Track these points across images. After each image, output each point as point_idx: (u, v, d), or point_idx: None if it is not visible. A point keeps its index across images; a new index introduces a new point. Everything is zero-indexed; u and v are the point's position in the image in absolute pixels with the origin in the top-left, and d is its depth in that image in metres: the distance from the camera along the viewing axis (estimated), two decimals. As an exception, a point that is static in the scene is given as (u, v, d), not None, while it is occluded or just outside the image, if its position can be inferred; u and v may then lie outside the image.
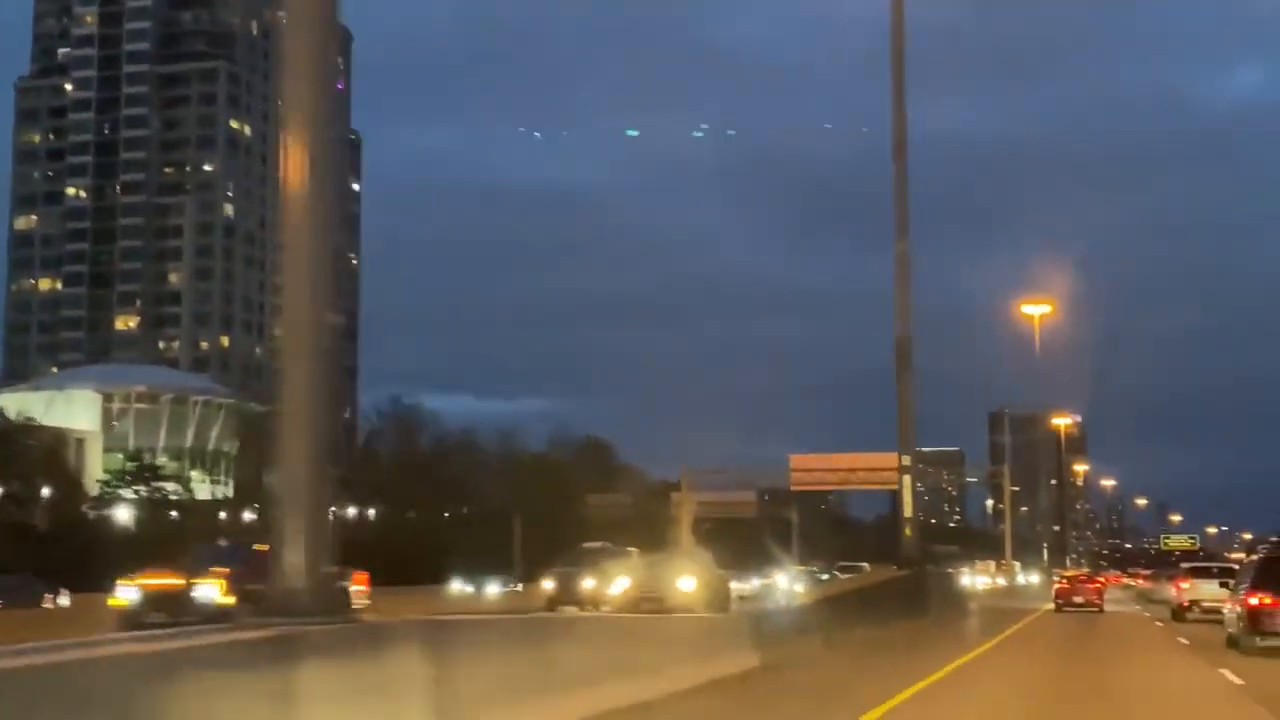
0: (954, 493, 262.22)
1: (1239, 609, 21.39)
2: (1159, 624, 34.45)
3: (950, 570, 61.80)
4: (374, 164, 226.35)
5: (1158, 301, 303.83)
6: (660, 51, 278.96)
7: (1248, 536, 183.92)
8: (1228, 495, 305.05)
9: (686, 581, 27.05)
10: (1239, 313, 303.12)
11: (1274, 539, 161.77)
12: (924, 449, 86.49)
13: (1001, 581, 75.45)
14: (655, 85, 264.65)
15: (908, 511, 32.52)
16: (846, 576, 56.29)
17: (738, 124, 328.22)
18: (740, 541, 65.60)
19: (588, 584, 31.12)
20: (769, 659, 16.62)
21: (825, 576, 61.08)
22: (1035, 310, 58.83)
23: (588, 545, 39.41)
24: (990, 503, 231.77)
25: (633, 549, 36.57)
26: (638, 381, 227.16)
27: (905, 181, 31.44)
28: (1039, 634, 29.73)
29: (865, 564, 61.47)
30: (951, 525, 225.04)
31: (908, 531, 32.25)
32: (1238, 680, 16.81)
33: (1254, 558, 23.46)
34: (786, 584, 50.91)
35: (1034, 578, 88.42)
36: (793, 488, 67.02)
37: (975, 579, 73.38)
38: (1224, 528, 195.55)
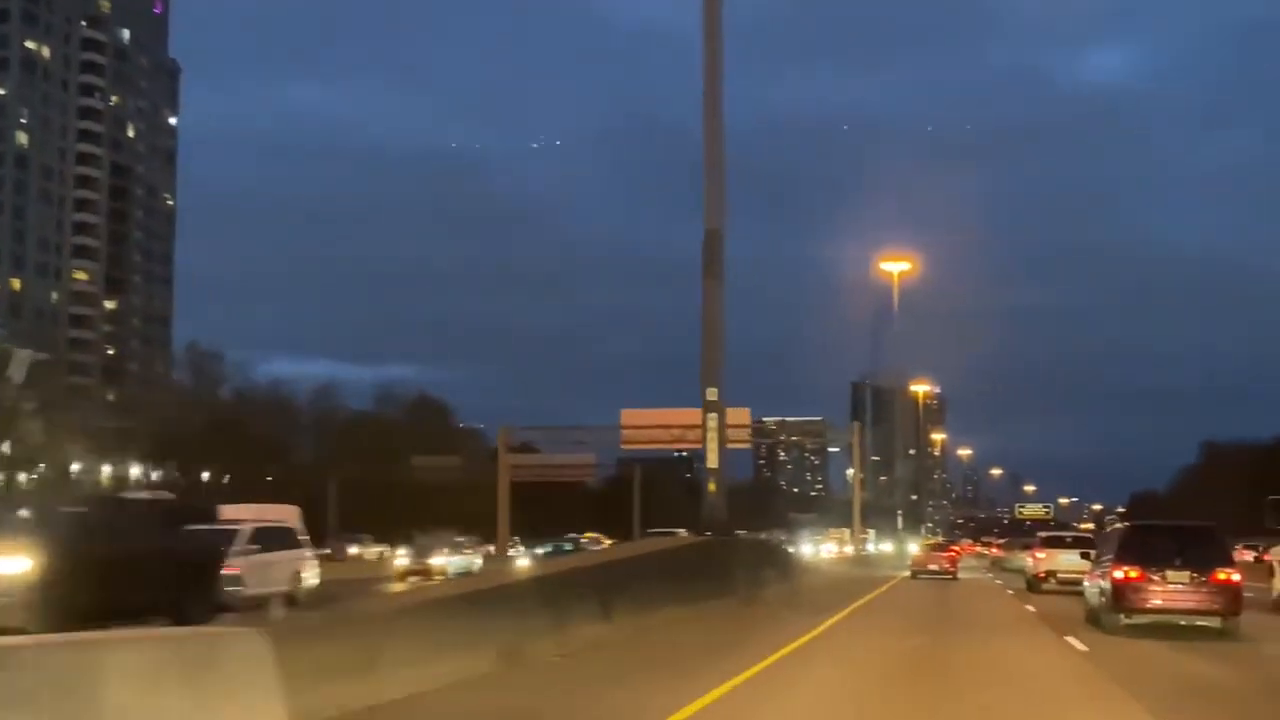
0: (816, 462, 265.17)
1: (1103, 583, 18.79)
2: (1010, 593, 31.83)
3: (784, 537, 58.97)
4: (240, 119, 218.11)
5: (1015, 277, 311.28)
6: (542, 17, 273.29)
7: (1097, 507, 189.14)
8: (1080, 467, 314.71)
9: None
10: (1093, 289, 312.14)
11: (1121, 509, 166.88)
12: (789, 418, 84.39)
13: (850, 550, 70.86)
14: (536, 50, 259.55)
15: (712, 461, 24.91)
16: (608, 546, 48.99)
17: (617, 93, 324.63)
18: (572, 508, 62.04)
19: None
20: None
21: (569, 547, 52.41)
22: (894, 268, 56.73)
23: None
24: (850, 472, 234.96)
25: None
26: (505, 349, 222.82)
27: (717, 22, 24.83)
28: (886, 608, 26.14)
29: (682, 530, 56.03)
30: (813, 494, 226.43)
31: (712, 487, 24.96)
32: (1083, 647, 16.30)
33: (1117, 526, 20.84)
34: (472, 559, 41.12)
35: (887, 546, 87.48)
36: (623, 446, 61.61)
37: (822, 547, 69.36)
38: (1075, 498, 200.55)
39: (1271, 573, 25.75)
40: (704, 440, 24.91)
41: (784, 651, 15.00)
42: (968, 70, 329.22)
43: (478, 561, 38.15)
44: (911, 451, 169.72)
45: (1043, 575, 33.86)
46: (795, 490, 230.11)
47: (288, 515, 30.21)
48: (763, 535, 51.23)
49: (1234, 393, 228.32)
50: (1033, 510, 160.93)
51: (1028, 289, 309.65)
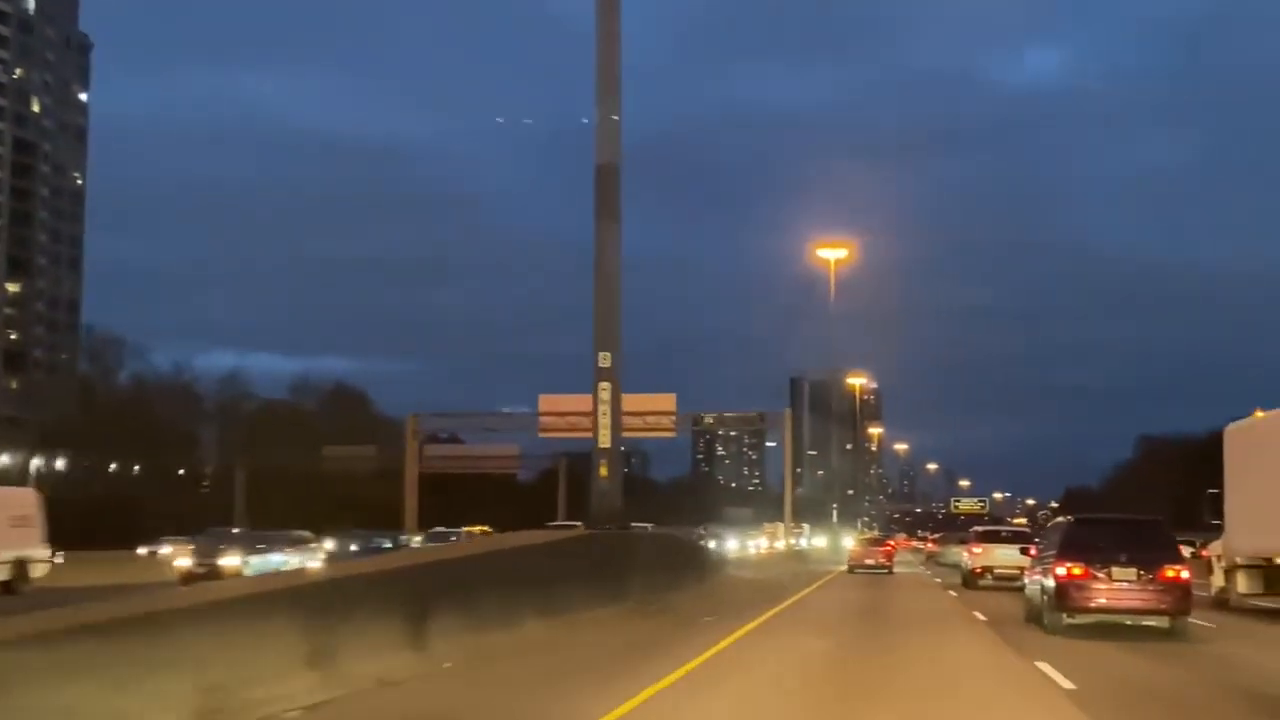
0: (754, 457, 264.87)
1: (1045, 580, 17.52)
2: (953, 594, 29.27)
3: (702, 531, 55.89)
4: (174, 106, 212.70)
5: (951, 275, 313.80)
6: (485, 10, 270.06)
7: (1031, 502, 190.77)
8: (1014, 463, 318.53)
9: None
10: (1028, 287, 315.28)
11: (1054, 504, 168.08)
12: (727, 413, 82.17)
13: (780, 545, 67.39)
14: (479, 44, 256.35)
15: (604, 440, 21.17)
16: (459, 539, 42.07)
17: (559, 90, 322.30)
18: (499, 501, 59.52)
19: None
20: None
21: (389, 544, 42.85)
22: (831, 255, 55.41)
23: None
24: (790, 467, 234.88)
25: None
26: (441, 342, 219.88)
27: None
28: (814, 614, 21.60)
29: (579, 523, 50.50)
30: (751, 489, 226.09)
31: (603, 471, 20.98)
32: (1025, 650, 14.92)
33: (1059, 520, 19.54)
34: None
35: (821, 540, 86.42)
36: (541, 434, 58.91)
37: (751, 543, 65.99)
38: (1009, 494, 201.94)
39: (1210, 569, 24.82)
40: (594, 415, 21.64)
41: (670, 679, 11.50)
42: (904, 69, 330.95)
43: (297, 560, 29.23)
44: (849, 446, 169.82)
45: (979, 571, 33.11)
46: (733, 485, 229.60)
47: (20, 502, 28.46)
48: (671, 529, 47.96)
49: (1168, 389, 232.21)
50: (968, 505, 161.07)
51: (964, 287, 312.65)
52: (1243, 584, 22.45)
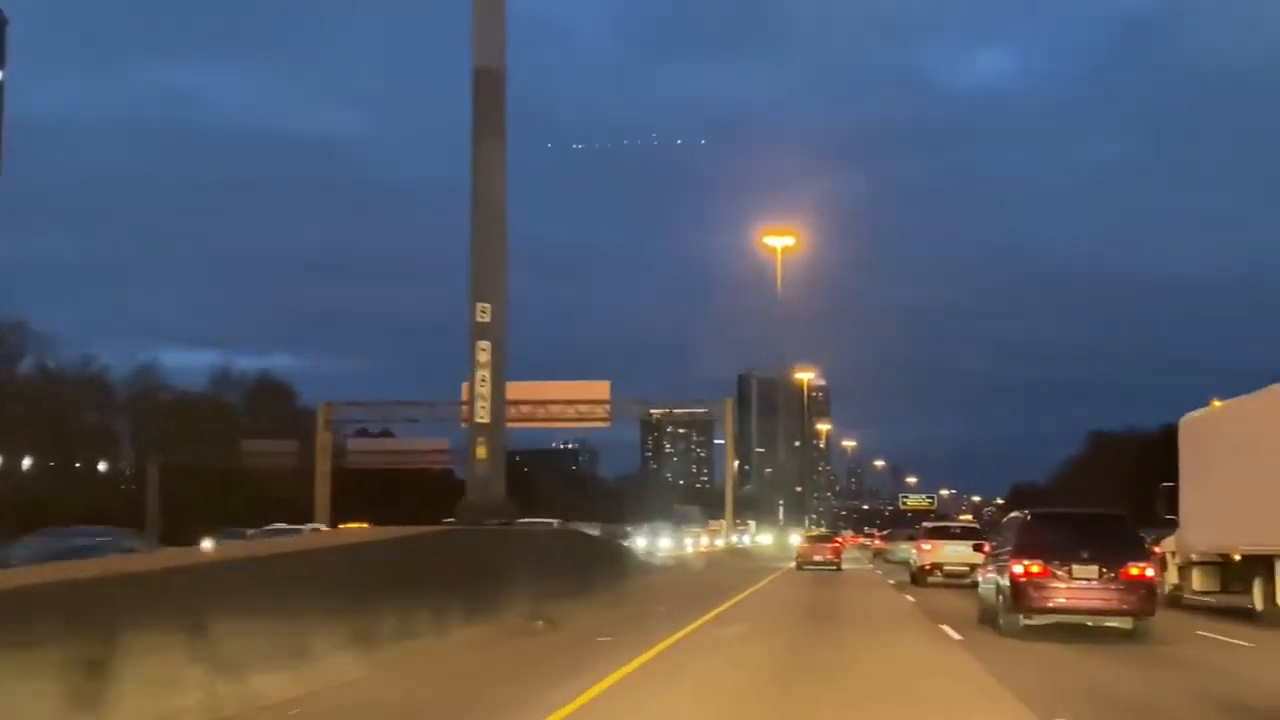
0: (703, 455, 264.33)
1: (1000, 579, 16.48)
2: (908, 598, 26.20)
3: (629, 529, 54.12)
4: (117, 99, 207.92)
5: (898, 274, 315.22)
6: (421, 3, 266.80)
7: (976, 499, 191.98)
8: (962, 460, 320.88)
9: None
10: (973, 286, 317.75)
11: (1000, 501, 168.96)
12: (670, 404, 78.18)
13: (720, 543, 63.72)
14: (418, 37, 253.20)
15: (482, 414, 18.26)
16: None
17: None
18: (429, 497, 56.33)
19: None
20: None
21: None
22: (777, 242, 54.39)
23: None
24: (736, 464, 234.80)
25: None
26: (378, 338, 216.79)
27: None
28: (742, 632, 16.54)
29: (555, 520, 45.67)
30: (699, 486, 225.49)
31: (480, 452, 18.08)
32: (979, 653, 13.97)
33: (1015, 515, 18.41)
34: None
35: (767, 538, 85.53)
36: (464, 424, 57.03)
37: (688, 541, 62.04)
38: (954, 490, 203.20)
39: (1164, 565, 23.97)
40: (470, 383, 18.48)
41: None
42: (850, 69, 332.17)
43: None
44: (797, 443, 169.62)
45: (928, 568, 32.44)
46: (681, 483, 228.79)
47: None
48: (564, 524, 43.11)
49: (1115, 388, 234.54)
50: (916, 501, 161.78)
51: (911, 285, 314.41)
52: (1198, 581, 21.63)
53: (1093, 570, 15.56)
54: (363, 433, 63.44)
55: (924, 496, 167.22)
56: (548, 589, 17.39)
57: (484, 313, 17.98)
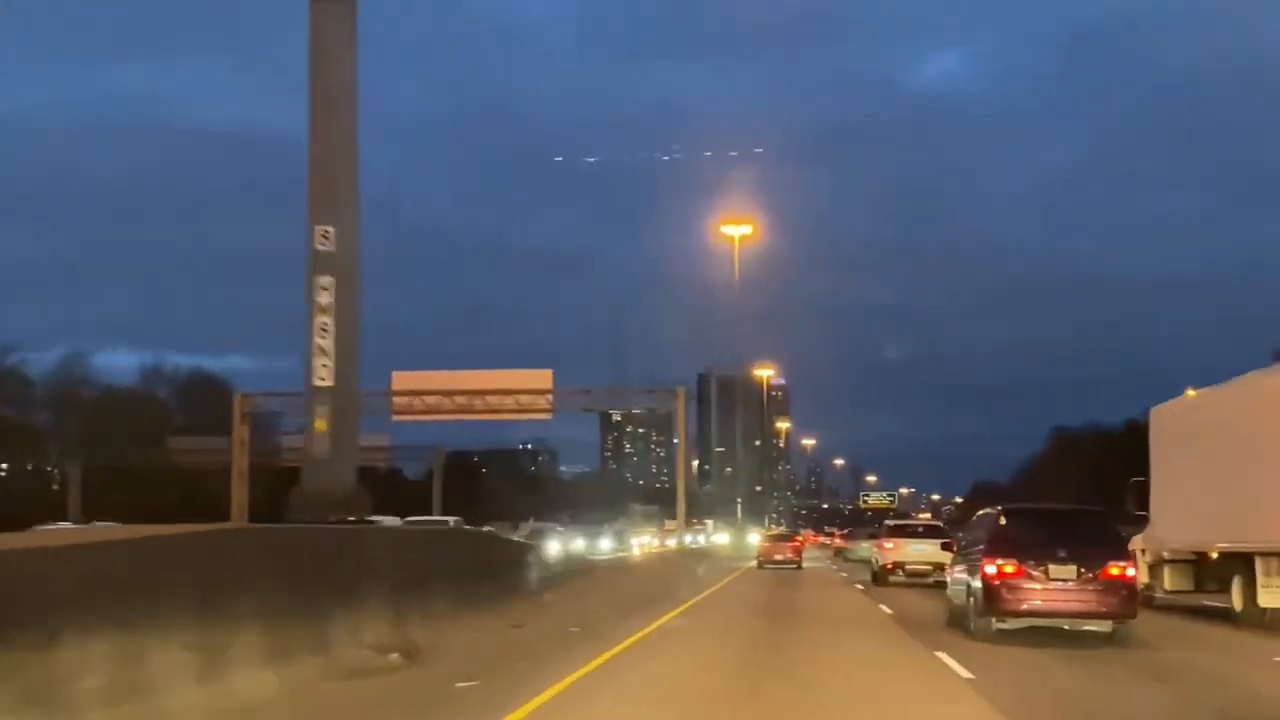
0: (662, 454, 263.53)
1: (971, 579, 15.49)
2: (882, 607, 24.13)
3: (537, 528, 48.44)
4: (57, 96, 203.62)
5: (857, 273, 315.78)
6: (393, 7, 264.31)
7: (935, 497, 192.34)
8: (921, 459, 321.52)
9: None
10: (933, 286, 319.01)
11: (959, 500, 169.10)
12: (634, 410, 76.98)
13: (672, 543, 58.40)
14: (372, 33, 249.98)
15: (322, 374, 14.99)
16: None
17: (457, 83, 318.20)
18: (378, 498, 54.40)
19: None
20: None
21: None
22: (735, 231, 53.17)
23: None
24: (696, 463, 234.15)
25: None
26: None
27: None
28: (670, 673, 12.24)
29: (452, 519, 41.42)
30: (659, 486, 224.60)
31: (319, 424, 15.10)
32: (953, 663, 12.70)
33: (987, 511, 17.31)
34: None
35: (724, 537, 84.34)
36: (395, 417, 50.66)
37: (636, 541, 57.38)
38: (913, 489, 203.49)
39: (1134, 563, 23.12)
40: (307, 331, 14.74)
41: None
42: (808, 70, 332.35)
43: None
44: (757, 442, 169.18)
45: (890, 566, 31.67)
46: (641, 482, 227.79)
47: None
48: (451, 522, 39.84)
49: (1075, 387, 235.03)
50: (877, 499, 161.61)
51: (870, 285, 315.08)
52: (1170, 580, 20.62)
53: (1070, 570, 14.60)
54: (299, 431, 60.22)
55: (885, 495, 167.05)
56: (420, 607, 13.62)
57: (325, 238, 13.77)
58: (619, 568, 32.40)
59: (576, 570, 24.69)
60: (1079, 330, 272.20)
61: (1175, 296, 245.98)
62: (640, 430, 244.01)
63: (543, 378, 49.79)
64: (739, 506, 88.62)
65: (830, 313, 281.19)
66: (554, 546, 38.77)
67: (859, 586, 30.69)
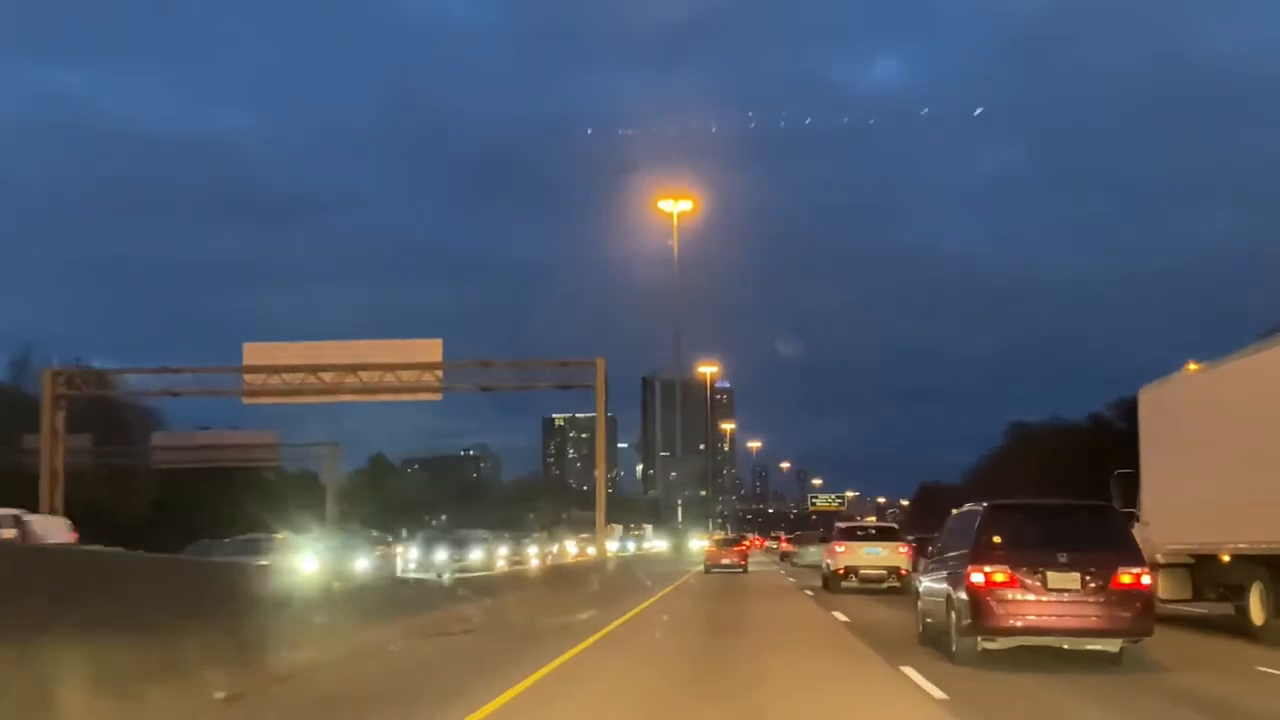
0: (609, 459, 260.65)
1: (952, 590, 12.72)
2: (840, 618, 19.03)
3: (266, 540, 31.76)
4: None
5: (802, 277, 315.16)
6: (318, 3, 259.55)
7: (881, 500, 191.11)
8: (865, 462, 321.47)
9: None
10: (877, 289, 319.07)
11: (905, 502, 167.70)
12: (578, 415, 74.08)
13: (592, 551, 50.52)
14: (309, 37, 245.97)
15: None
16: None
17: (401, 88, 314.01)
18: (236, 503, 46.96)
19: None
20: None
21: None
22: (674, 207, 49.97)
23: None
24: (640, 467, 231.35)
25: None
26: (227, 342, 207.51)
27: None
28: None
29: (280, 534, 30.09)
30: (609, 491, 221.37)
31: None
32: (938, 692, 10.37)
33: (969, 508, 14.28)
34: None
35: (661, 543, 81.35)
36: (247, 400, 42.83)
37: (532, 549, 48.29)
38: (859, 493, 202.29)
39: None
40: None
41: None
42: (753, 74, 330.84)
43: None
44: (702, 446, 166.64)
45: (842, 572, 29.55)
46: (585, 488, 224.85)
47: None
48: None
49: (1020, 389, 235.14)
50: (825, 502, 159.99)
51: (815, 289, 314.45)
52: (1164, 588, 17.73)
53: (1073, 578, 11.86)
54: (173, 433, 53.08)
55: (832, 497, 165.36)
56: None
57: None
58: (489, 587, 20.11)
59: (411, 600, 15.98)
60: (1023, 334, 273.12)
61: (1119, 296, 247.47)
62: (584, 436, 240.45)
63: (430, 348, 41.19)
64: (679, 509, 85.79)
65: (775, 316, 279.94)
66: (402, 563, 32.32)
67: (809, 593, 28.31)
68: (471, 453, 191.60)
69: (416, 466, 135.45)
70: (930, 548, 17.63)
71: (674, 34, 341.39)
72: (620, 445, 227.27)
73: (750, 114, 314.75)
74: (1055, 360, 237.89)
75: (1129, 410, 31.14)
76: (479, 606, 17.20)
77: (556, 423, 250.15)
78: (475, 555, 39.03)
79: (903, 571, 28.87)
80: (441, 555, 38.40)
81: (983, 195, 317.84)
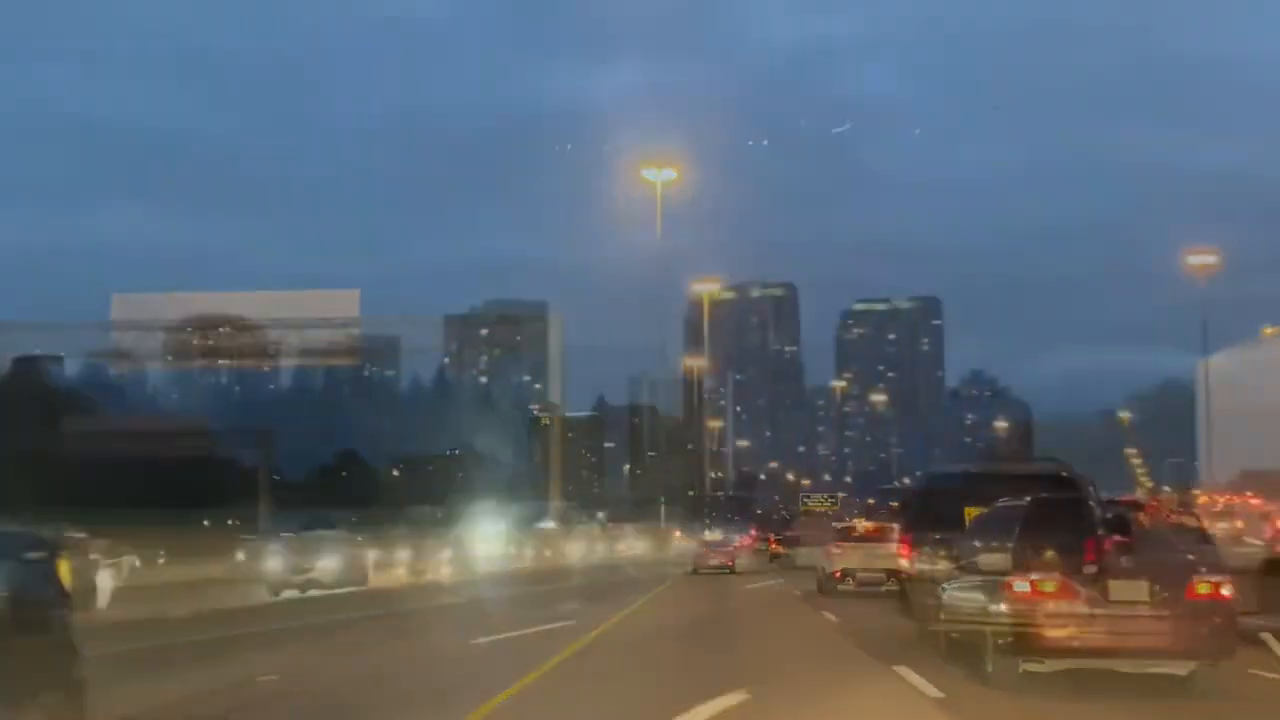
0: (594, 460, 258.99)
1: (988, 600, 10.64)
2: (833, 619, 19.86)
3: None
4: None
5: (779, 274, 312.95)
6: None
7: (871, 502, 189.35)
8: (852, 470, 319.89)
9: None
10: (853, 288, 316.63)
11: (871, 501, 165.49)
12: (570, 414, 71.69)
13: (550, 553, 46.80)
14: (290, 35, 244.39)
15: None
16: None
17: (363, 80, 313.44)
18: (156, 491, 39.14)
19: None
20: None
21: None
22: (658, 176, 47.47)
23: None
24: (627, 468, 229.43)
25: None
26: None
27: None
28: None
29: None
30: (594, 492, 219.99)
31: None
32: None
33: (1006, 502, 12.02)
34: None
35: (640, 545, 78.21)
36: (115, 368, 37.23)
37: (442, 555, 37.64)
38: (843, 493, 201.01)
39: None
40: None
41: None
42: (731, 72, 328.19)
43: None
44: (690, 446, 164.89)
45: (839, 574, 28.54)
46: (571, 488, 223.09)
47: None
48: None
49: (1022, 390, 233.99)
50: (819, 501, 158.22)
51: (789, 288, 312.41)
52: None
53: (1140, 588, 9.82)
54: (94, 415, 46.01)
55: (825, 497, 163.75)
56: None
57: None
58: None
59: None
60: (997, 339, 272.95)
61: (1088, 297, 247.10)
62: (569, 435, 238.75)
63: (345, 300, 32.74)
64: (662, 509, 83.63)
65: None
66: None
67: (798, 593, 27.58)
68: (456, 452, 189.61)
69: (402, 465, 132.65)
70: (926, 546, 15.51)
71: (649, 31, 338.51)
72: (608, 445, 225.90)
73: (725, 111, 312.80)
74: (1063, 358, 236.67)
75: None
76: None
77: (542, 421, 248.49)
78: (328, 564, 27.48)
79: (902, 574, 27.13)
80: (275, 563, 27.60)
81: (962, 195, 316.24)
